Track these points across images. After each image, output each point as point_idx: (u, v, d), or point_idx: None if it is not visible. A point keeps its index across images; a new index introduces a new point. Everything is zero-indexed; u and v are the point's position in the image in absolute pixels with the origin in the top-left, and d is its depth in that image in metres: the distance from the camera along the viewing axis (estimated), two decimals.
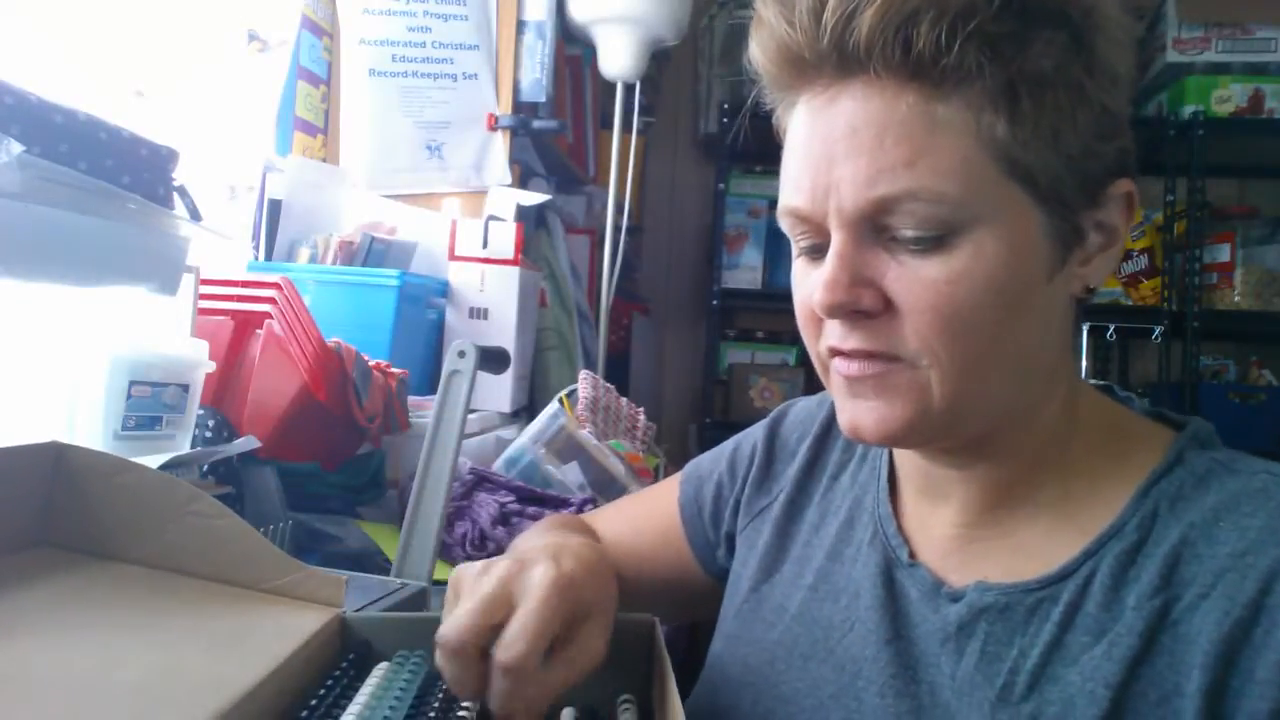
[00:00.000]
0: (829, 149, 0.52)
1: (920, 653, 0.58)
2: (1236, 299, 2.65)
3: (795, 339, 3.02)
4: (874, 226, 0.52)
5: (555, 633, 0.49)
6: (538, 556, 0.52)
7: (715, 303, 2.73)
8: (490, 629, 0.48)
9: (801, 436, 0.76)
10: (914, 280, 0.52)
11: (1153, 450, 0.56)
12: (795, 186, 0.55)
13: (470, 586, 0.51)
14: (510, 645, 0.47)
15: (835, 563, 0.67)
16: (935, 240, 0.51)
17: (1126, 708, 0.49)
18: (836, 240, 0.53)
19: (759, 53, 0.55)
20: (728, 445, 0.82)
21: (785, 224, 0.57)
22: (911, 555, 0.62)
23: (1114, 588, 0.52)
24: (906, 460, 0.66)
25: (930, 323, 0.52)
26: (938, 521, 0.63)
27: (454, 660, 0.48)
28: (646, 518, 0.84)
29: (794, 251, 0.59)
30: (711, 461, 0.82)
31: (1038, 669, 0.53)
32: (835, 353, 0.56)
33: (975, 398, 0.54)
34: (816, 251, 0.56)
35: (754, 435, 0.80)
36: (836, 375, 0.57)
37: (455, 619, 0.48)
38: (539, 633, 0.48)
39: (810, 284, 0.55)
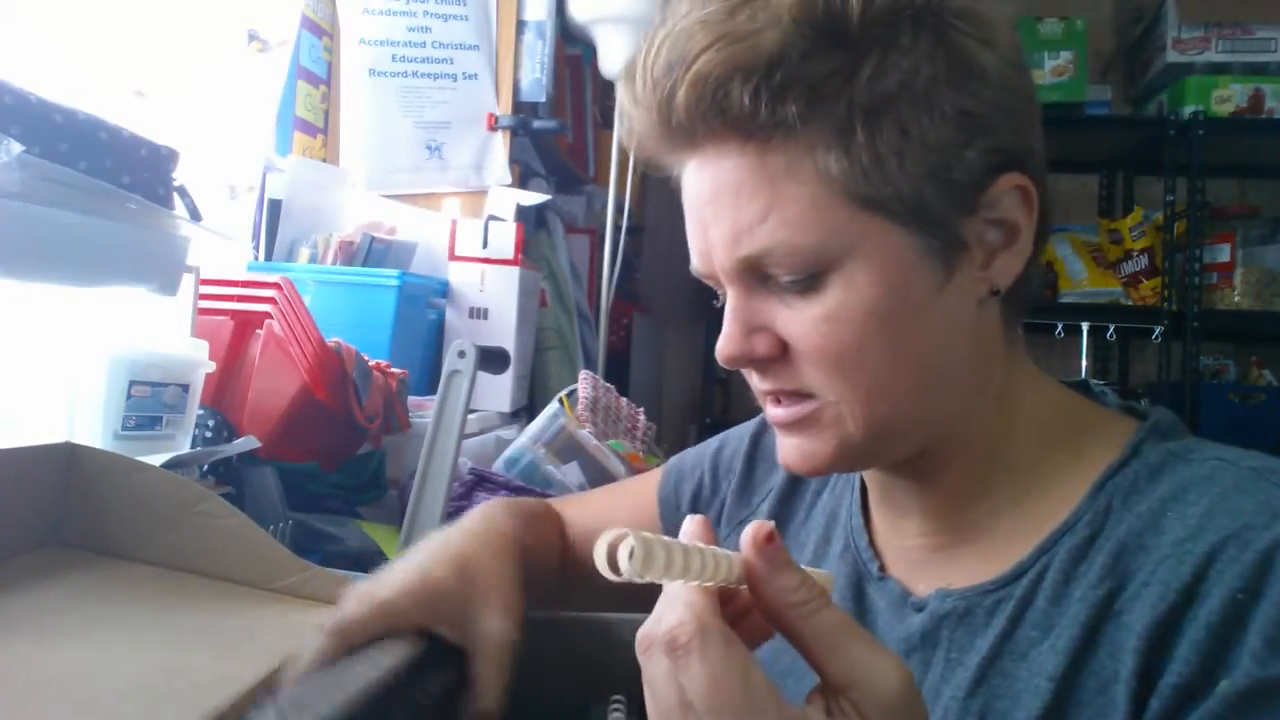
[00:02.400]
0: (702, 214, 0.55)
1: None
2: (1236, 299, 2.66)
3: None
4: (758, 276, 0.54)
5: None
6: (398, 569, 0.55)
7: (715, 303, 2.73)
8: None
9: None
10: (799, 321, 0.53)
11: (1111, 444, 0.56)
12: (691, 249, 0.58)
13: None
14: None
15: None
16: (808, 281, 0.52)
17: (1069, 699, 0.49)
18: (729, 295, 0.56)
19: (625, 136, 0.58)
20: (713, 443, 0.82)
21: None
22: (882, 569, 0.62)
23: (1064, 582, 0.52)
24: (868, 476, 0.66)
25: (819, 361, 0.53)
26: (903, 533, 0.63)
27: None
28: (623, 507, 0.83)
29: None
30: (695, 459, 0.82)
31: (986, 663, 0.53)
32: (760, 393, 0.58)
33: (891, 421, 0.55)
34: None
35: (739, 437, 0.79)
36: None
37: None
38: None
39: None
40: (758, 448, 0.77)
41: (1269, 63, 2.64)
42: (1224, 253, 2.68)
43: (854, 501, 0.67)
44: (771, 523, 0.41)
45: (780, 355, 0.55)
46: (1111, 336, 2.67)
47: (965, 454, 0.58)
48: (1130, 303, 2.70)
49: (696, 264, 0.57)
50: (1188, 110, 2.61)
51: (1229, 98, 2.62)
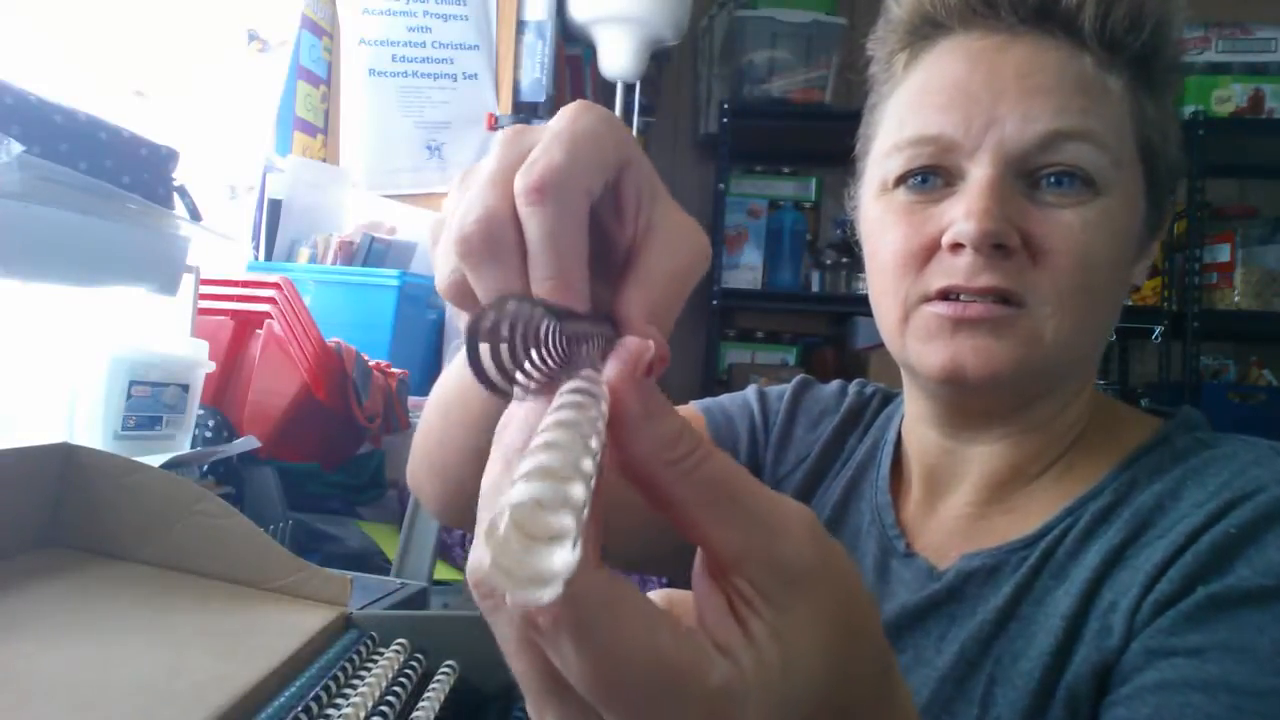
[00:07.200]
0: (996, 86, 0.54)
1: (906, 620, 0.59)
2: (1236, 299, 2.65)
3: (795, 339, 3.02)
4: (1022, 171, 0.54)
5: (599, 164, 0.31)
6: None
7: (715, 303, 2.73)
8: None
9: (825, 412, 0.74)
10: (1057, 224, 0.53)
11: (1142, 432, 0.59)
12: (941, 115, 0.55)
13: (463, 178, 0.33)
14: (534, 161, 0.30)
15: None
16: (1084, 188, 0.54)
17: (1076, 633, 0.52)
18: (986, 174, 0.53)
19: None
20: (748, 390, 0.78)
21: (906, 154, 0.56)
22: (909, 547, 0.62)
23: (1083, 539, 0.55)
24: (925, 448, 0.64)
25: (1070, 267, 0.53)
26: (945, 508, 0.63)
27: (486, 250, 0.30)
28: None
29: (882, 188, 0.58)
30: (728, 396, 0.78)
31: (1006, 610, 0.55)
32: (946, 293, 0.55)
33: (1077, 346, 0.56)
34: (928, 183, 0.56)
35: (778, 393, 0.77)
36: (934, 317, 0.55)
37: (467, 203, 0.31)
38: (572, 138, 0.30)
39: (928, 219, 0.55)
40: (798, 405, 0.75)
41: (1269, 63, 2.63)
42: (1224, 253, 2.67)
43: (881, 479, 0.66)
44: (652, 346, 0.30)
45: (1017, 252, 0.53)
46: (1111, 336, 2.67)
47: (1050, 424, 0.60)
48: (1130, 303, 2.69)
49: (947, 129, 0.55)
50: (1188, 110, 2.60)
51: (1229, 98, 2.61)
